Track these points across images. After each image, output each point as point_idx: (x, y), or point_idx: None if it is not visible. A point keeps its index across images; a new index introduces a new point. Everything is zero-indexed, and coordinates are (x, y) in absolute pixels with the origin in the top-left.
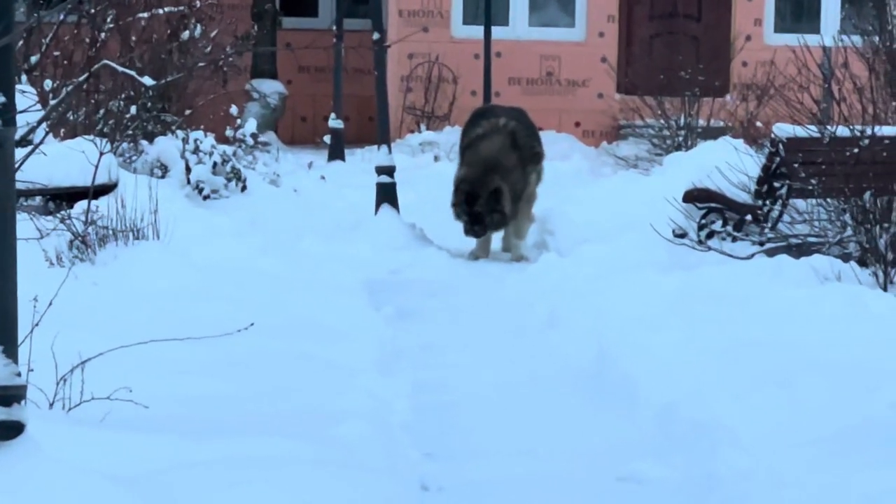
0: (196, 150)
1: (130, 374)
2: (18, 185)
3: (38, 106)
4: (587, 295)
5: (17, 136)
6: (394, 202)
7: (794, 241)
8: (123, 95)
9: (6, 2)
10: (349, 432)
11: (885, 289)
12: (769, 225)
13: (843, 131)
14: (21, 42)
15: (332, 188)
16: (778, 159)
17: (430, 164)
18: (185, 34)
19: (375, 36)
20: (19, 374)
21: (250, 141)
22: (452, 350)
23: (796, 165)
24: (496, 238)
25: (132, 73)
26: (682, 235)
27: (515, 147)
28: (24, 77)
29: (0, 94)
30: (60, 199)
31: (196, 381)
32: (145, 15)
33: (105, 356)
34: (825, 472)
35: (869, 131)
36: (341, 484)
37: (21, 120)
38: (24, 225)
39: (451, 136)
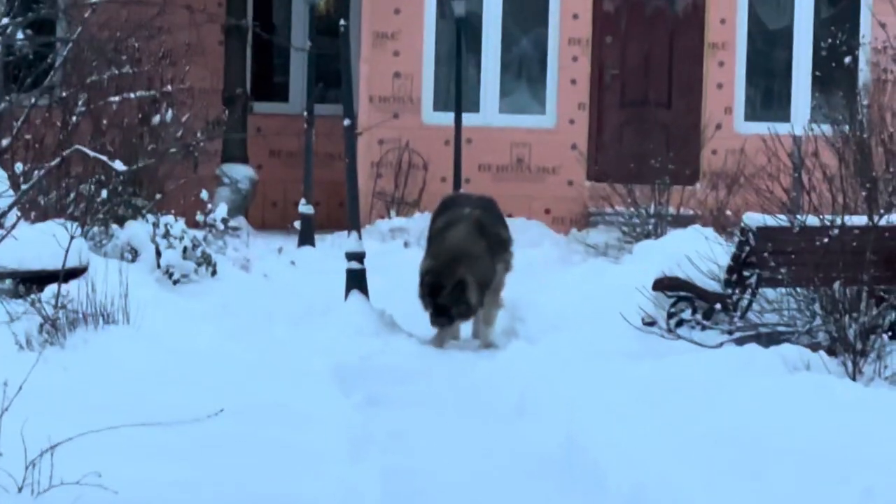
0: (166, 235)
1: (100, 459)
2: None
3: (10, 190)
4: (556, 382)
5: None
6: (364, 288)
7: (763, 330)
8: (94, 179)
9: None
10: None
11: (853, 378)
12: (739, 314)
13: (812, 221)
14: None
15: (302, 273)
16: (748, 248)
17: (400, 250)
18: (157, 118)
19: (346, 122)
20: None
21: (221, 226)
22: (422, 437)
23: (766, 254)
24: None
25: (104, 157)
26: (652, 324)
27: (482, 236)
28: None
29: None
30: (31, 282)
31: (166, 467)
32: (116, 99)
33: (75, 441)
34: None
35: (839, 221)
36: None
37: None
38: None
39: (421, 222)
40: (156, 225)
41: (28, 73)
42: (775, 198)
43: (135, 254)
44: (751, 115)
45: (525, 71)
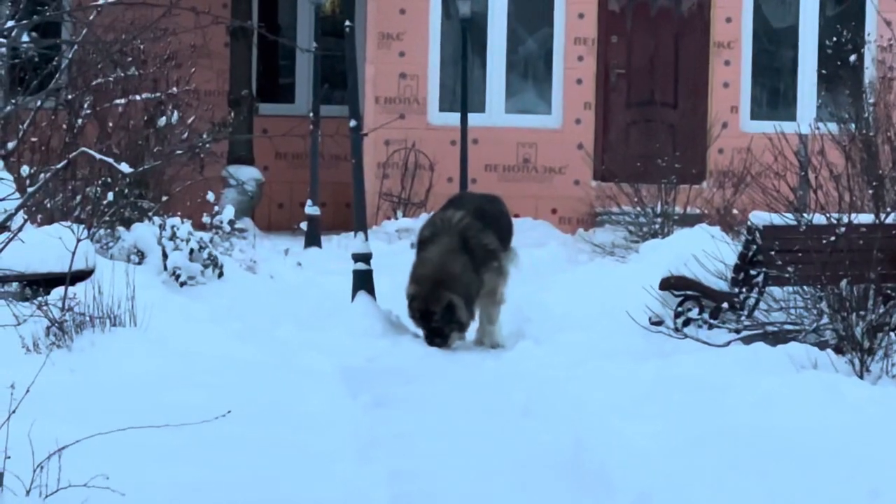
0: (173, 237)
1: (107, 462)
2: None
3: (16, 193)
4: (563, 382)
5: None
6: (370, 289)
7: (770, 328)
8: (100, 182)
9: None
10: None
11: (861, 377)
12: (745, 313)
13: (819, 219)
14: None
15: (309, 275)
16: (754, 247)
17: (406, 251)
18: (162, 121)
19: (352, 123)
20: None
21: (227, 227)
22: (429, 438)
23: (773, 253)
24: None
25: (110, 160)
26: (659, 323)
27: (465, 249)
28: (1, 163)
29: None
30: (37, 285)
31: (174, 469)
32: (122, 101)
33: (82, 443)
34: None
35: (845, 219)
36: None
37: None
38: (1, 311)
39: None
40: (162, 227)
41: (34, 75)
42: (782, 196)
43: (141, 256)
44: (757, 114)
45: (531, 71)
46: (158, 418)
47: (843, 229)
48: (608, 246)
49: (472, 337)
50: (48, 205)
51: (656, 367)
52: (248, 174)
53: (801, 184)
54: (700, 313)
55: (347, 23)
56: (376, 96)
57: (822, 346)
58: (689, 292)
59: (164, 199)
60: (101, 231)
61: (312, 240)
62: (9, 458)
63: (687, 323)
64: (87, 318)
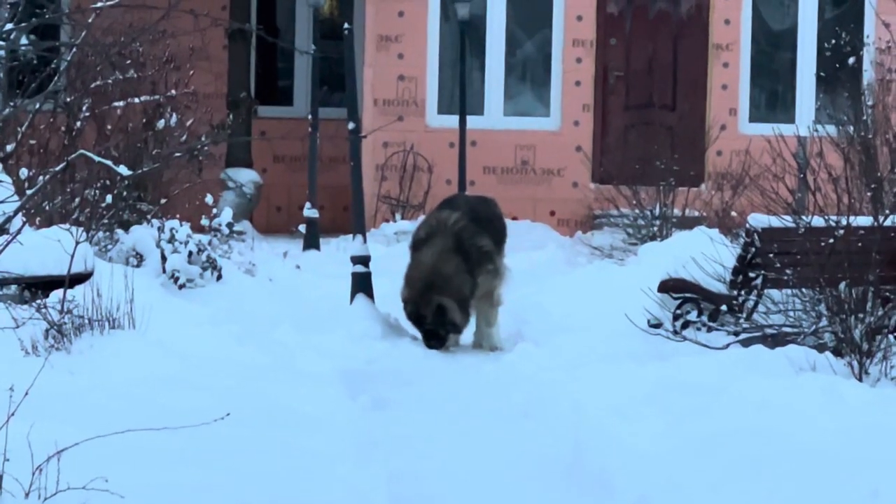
0: (171, 240)
1: (107, 464)
2: None
3: (15, 196)
4: (562, 385)
5: None
6: (369, 292)
7: (769, 331)
8: (99, 184)
9: None
10: None
11: (860, 379)
12: (744, 315)
13: (818, 221)
14: None
15: (308, 277)
16: (753, 249)
17: (405, 254)
18: (161, 123)
19: (351, 125)
20: None
21: (226, 230)
22: (429, 440)
23: (771, 255)
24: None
25: (108, 162)
26: (658, 326)
27: (460, 251)
28: None
29: None
30: (36, 287)
31: (172, 471)
32: (121, 104)
33: (81, 446)
34: None
35: (844, 221)
36: None
37: None
38: (0, 314)
39: None
40: (161, 229)
41: (32, 78)
42: (780, 199)
43: (140, 258)
44: (755, 116)
45: (529, 73)
46: (157, 421)
47: (841, 231)
48: (607, 248)
49: (471, 340)
50: (47, 207)
51: (655, 369)
52: (246, 177)
53: (799, 186)
54: (699, 316)
55: (346, 25)
56: (375, 99)
57: (820, 348)
58: (687, 295)
59: (163, 201)
60: (100, 233)
61: (311, 242)
62: (8, 460)
63: (686, 325)
64: (86, 321)
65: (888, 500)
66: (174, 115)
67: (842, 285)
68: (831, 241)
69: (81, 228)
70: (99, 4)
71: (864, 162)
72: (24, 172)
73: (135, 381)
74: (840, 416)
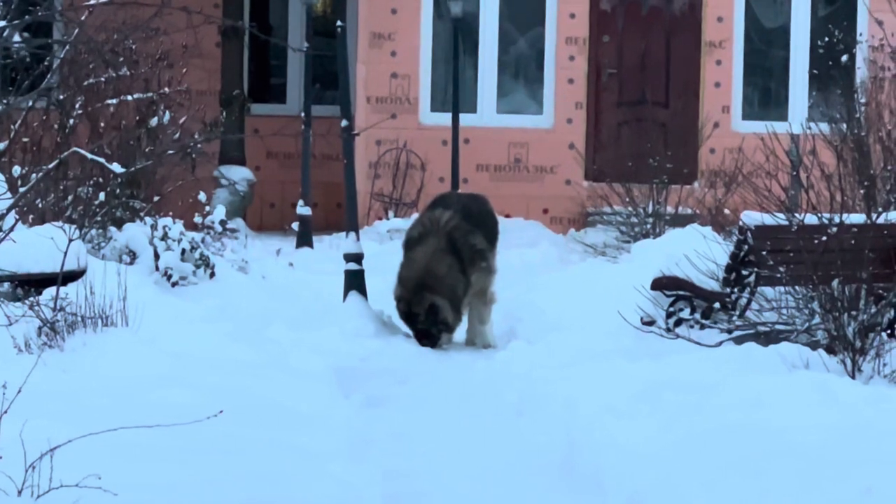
0: (164, 237)
1: (100, 462)
2: None
3: (8, 193)
4: (556, 383)
5: None
6: (362, 289)
7: (762, 328)
8: (92, 182)
9: None
10: None
11: (853, 376)
12: (737, 312)
13: (811, 219)
14: None
15: (301, 275)
16: (746, 247)
17: (398, 251)
18: (154, 120)
19: (344, 123)
20: None
21: (219, 227)
22: (422, 438)
23: (764, 253)
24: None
25: (101, 160)
26: (651, 323)
27: (452, 250)
28: None
29: None
30: (29, 285)
31: (166, 469)
32: (114, 101)
33: (74, 443)
34: None
35: (837, 219)
36: None
37: None
38: None
39: None
40: (154, 227)
41: (25, 75)
42: (773, 196)
43: (133, 256)
44: (749, 114)
45: (522, 71)
46: (150, 418)
47: (834, 229)
48: (600, 246)
49: (463, 337)
50: (40, 205)
51: (648, 367)
52: (239, 174)
53: (792, 184)
54: (692, 313)
55: (339, 22)
56: (368, 96)
57: (813, 345)
58: (680, 292)
59: (156, 199)
60: (93, 231)
61: (304, 240)
62: (0, 458)
63: (679, 323)
64: (79, 319)
65: (881, 497)
66: (167, 113)
67: (835, 283)
68: (824, 238)
69: (74, 226)
70: (92, 2)
71: (857, 159)
72: (17, 170)
73: (128, 379)
74: (833, 414)
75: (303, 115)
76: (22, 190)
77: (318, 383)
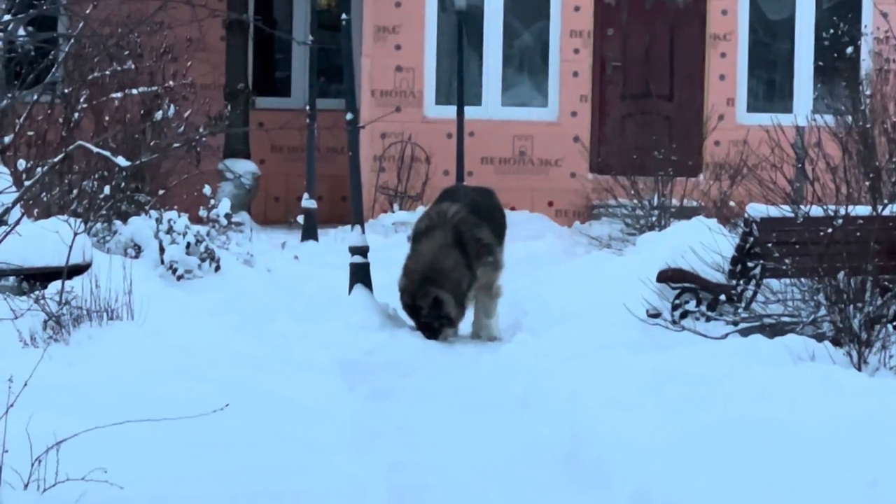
0: (170, 231)
1: (105, 455)
2: None
3: (13, 187)
4: (561, 375)
5: None
6: (367, 282)
7: (767, 320)
8: (97, 175)
9: None
10: None
11: (859, 368)
12: (743, 305)
13: (816, 211)
14: None
15: (306, 268)
16: (751, 239)
17: (403, 244)
18: (159, 114)
19: (349, 116)
20: None
21: (224, 221)
22: (427, 430)
23: (770, 245)
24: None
25: (106, 153)
26: (656, 315)
27: (458, 244)
28: None
29: None
30: (34, 279)
31: (171, 462)
32: (119, 95)
33: (80, 437)
34: None
35: (842, 211)
36: None
37: None
38: None
39: None
40: (159, 221)
41: (30, 69)
42: (779, 188)
43: (138, 250)
44: (753, 106)
45: (527, 63)
46: (156, 412)
47: (840, 221)
48: (605, 238)
49: (469, 330)
50: (45, 198)
51: (654, 359)
52: (244, 168)
53: (797, 176)
54: (697, 305)
55: (343, 16)
56: (372, 89)
57: (819, 337)
58: (686, 285)
59: (161, 192)
60: (98, 225)
61: (309, 233)
62: (6, 452)
63: (684, 315)
64: (85, 312)
65: (887, 489)
66: (172, 107)
67: (840, 275)
68: (830, 230)
69: (80, 220)
70: None
71: (862, 151)
72: (22, 164)
73: (133, 373)
74: (838, 406)
75: (307, 108)
76: (27, 184)
77: (323, 376)
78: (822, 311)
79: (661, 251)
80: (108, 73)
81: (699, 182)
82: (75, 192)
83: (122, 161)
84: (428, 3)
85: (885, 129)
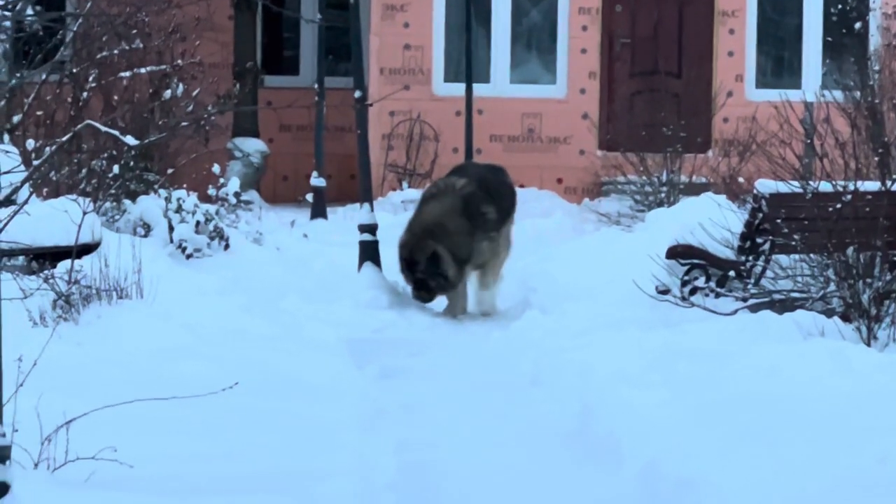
0: (179, 210)
1: (115, 434)
2: (2, 245)
3: (22, 166)
4: (570, 352)
5: (1, 196)
6: (376, 260)
7: (777, 296)
8: (106, 155)
9: None
10: (333, 490)
11: (868, 344)
12: (752, 281)
13: (825, 187)
14: (3, 101)
15: (315, 246)
16: (761, 215)
17: None
18: (167, 93)
19: (357, 94)
20: (4, 435)
21: (233, 200)
22: (436, 408)
23: (779, 221)
24: (472, 293)
25: (115, 132)
26: (665, 292)
27: (464, 213)
28: (6, 137)
29: None
30: (44, 258)
31: (181, 441)
32: (127, 74)
33: (90, 416)
34: None
35: (851, 187)
36: None
37: (4, 180)
38: (8, 285)
39: None
40: (168, 199)
41: (38, 49)
42: (787, 164)
43: (147, 229)
44: (762, 83)
45: (535, 41)
46: (165, 390)
47: (849, 197)
48: (614, 215)
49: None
50: (54, 178)
51: (663, 335)
52: (253, 146)
53: (806, 152)
54: (706, 282)
55: None
56: (381, 67)
57: (828, 313)
58: (695, 261)
59: (170, 171)
60: (107, 204)
61: (318, 211)
62: (16, 431)
63: (693, 292)
64: (94, 291)
65: None
66: (180, 86)
67: (850, 250)
68: (839, 206)
69: (89, 199)
70: None
71: (870, 127)
72: (30, 143)
73: (143, 352)
74: (848, 381)
75: (316, 86)
76: (36, 163)
77: (332, 355)
78: (832, 287)
79: (671, 228)
80: (116, 52)
81: (708, 158)
82: (84, 171)
83: (130, 140)
84: None
85: (894, 105)
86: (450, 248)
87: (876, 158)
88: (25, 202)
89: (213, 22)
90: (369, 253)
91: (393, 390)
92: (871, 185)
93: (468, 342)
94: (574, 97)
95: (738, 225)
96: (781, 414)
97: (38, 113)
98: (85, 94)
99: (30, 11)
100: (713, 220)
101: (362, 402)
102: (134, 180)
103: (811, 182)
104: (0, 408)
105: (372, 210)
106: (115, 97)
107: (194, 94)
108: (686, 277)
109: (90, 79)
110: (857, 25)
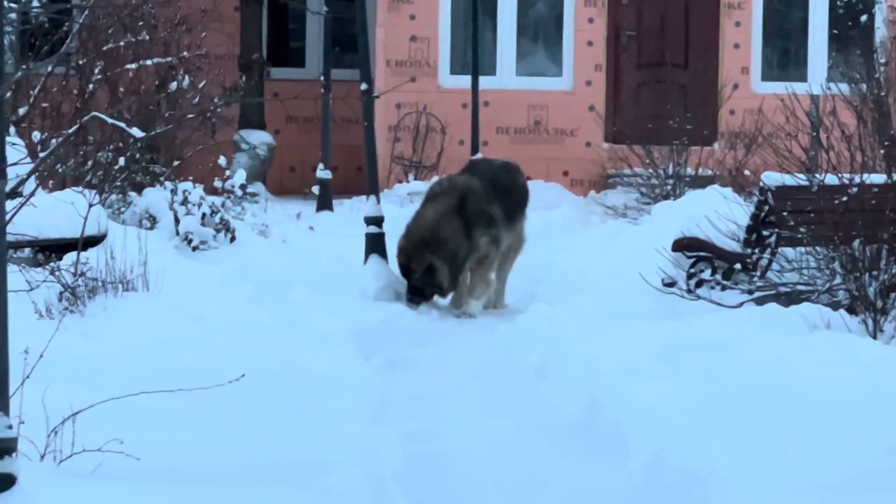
0: (185, 202)
1: (121, 426)
2: (8, 237)
3: (28, 158)
4: (577, 344)
5: (7, 189)
6: (382, 252)
7: (783, 289)
8: (112, 147)
9: None
10: (340, 481)
11: (874, 336)
12: (758, 273)
13: (831, 179)
14: (10, 93)
15: (321, 238)
16: (767, 208)
17: None
18: (173, 85)
19: (363, 86)
20: (10, 427)
21: (239, 192)
22: (443, 400)
23: (785, 214)
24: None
25: (121, 124)
26: (672, 284)
27: (461, 214)
28: (12, 129)
29: None
30: (50, 250)
31: (187, 432)
32: (133, 66)
33: (96, 408)
34: None
35: (857, 179)
36: None
37: (10, 172)
38: (14, 277)
39: None
40: (174, 192)
41: (44, 40)
42: (794, 157)
43: (153, 221)
44: (768, 75)
45: (541, 33)
46: (172, 382)
47: (855, 189)
48: (620, 208)
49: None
50: (60, 170)
51: (669, 328)
52: (259, 138)
53: (812, 144)
54: (713, 274)
55: None
56: (387, 59)
57: (834, 306)
58: (701, 253)
59: (176, 163)
60: (113, 196)
61: (324, 203)
62: (23, 423)
63: (699, 284)
64: (100, 284)
65: None
66: (187, 77)
67: (856, 243)
68: (845, 198)
69: (94, 191)
70: None
71: (877, 119)
72: (36, 135)
73: (149, 343)
74: (854, 374)
75: (322, 78)
76: (42, 155)
77: (338, 346)
78: (838, 280)
79: (677, 220)
80: (122, 44)
81: (714, 151)
82: (90, 163)
83: (136, 132)
84: None
85: None
86: (446, 260)
87: (882, 151)
88: (31, 194)
89: (220, 13)
90: (375, 245)
91: (399, 381)
92: (878, 178)
93: (474, 334)
94: (580, 89)
95: (744, 217)
96: (788, 406)
97: (44, 105)
98: (91, 85)
99: (36, 3)
100: (719, 213)
101: (369, 393)
102: (140, 172)
103: (817, 175)
104: (6, 400)
105: (378, 202)
106: (122, 89)
107: (200, 85)
108: (692, 270)
109: (96, 70)
110: (864, 18)
